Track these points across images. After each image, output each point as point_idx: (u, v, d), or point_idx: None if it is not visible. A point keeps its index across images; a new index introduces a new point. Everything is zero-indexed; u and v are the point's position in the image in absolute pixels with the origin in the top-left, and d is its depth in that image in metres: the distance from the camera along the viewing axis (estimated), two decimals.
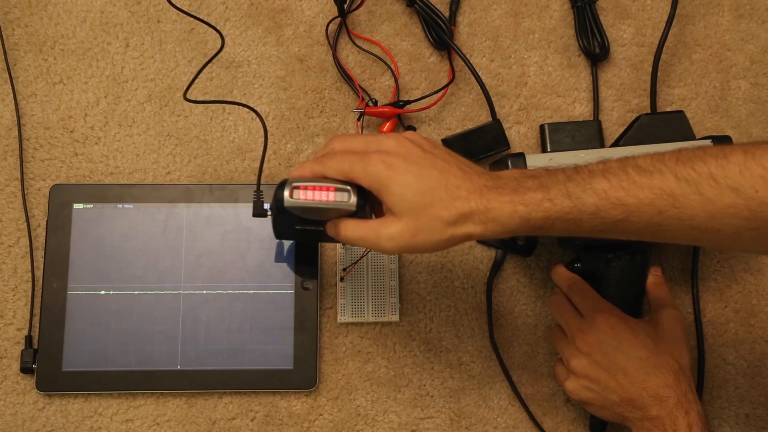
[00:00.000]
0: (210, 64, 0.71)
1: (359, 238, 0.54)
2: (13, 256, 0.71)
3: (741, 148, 0.47)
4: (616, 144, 0.70)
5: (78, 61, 0.74)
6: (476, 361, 0.71)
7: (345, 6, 0.73)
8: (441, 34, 0.73)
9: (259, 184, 0.62)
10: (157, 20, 0.74)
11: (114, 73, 0.74)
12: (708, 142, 0.67)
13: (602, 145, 0.71)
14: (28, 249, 0.70)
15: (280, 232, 0.65)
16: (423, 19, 0.74)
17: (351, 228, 0.55)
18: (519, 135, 0.74)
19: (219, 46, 0.71)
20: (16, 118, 0.72)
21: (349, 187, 0.55)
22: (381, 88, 0.74)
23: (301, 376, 0.68)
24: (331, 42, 0.74)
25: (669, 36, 0.73)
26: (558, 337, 0.66)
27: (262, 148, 0.73)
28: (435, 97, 0.73)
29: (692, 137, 0.68)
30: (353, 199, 0.54)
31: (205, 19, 0.72)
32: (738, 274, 0.73)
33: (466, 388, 0.70)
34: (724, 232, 0.48)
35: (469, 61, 0.72)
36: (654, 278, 0.69)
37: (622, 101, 0.75)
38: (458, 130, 0.73)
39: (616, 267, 0.67)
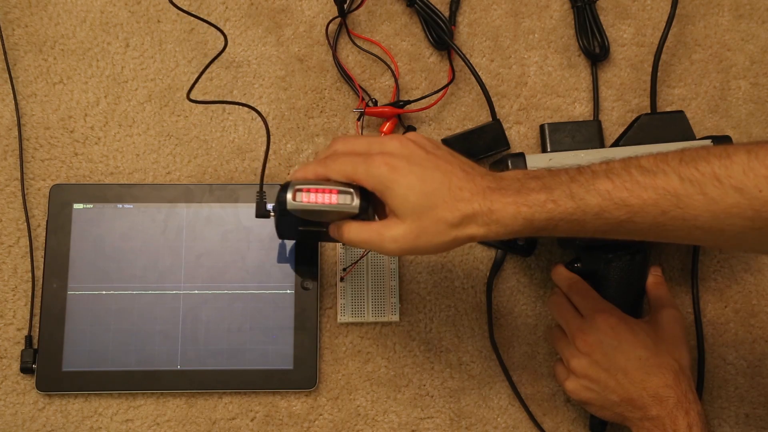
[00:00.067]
0: (210, 65, 0.71)
1: (362, 241, 0.54)
2: (13, 256, 0.71)
3: (744, 148, 0.47)
4: (616, 144, 0.70)
5: (78, 61, 0.74)
6: (476, 361, 0.71)
7: (345, 6, 0.73)
8: (441, 34, 0.73)
9: (261, 185, 0.62)
10: (157, 20, 0.74)
11: (114, 73, 0.74)
12: (708, 142, 0.67)
13: (602, 145, 0.71)
14: (28, 249, 0.70)
15: (282, 233, 0.65)
16: (423, 19, 0.74)
17: (354, 230, 0.55)
18: (519, 135, 0.74)
19: (219, 45, 0.71)
20: (16, 118, 0.72)
21: (351, 189, 0.54)
22: (381, 88, 0.74)
23: (301, 376, 0.68)
24: (331, 42, 0.74)
25: (669, 36, 0.73)
26: (558, 337, 0.66)
27: (262, 148, 0.73)
28: (435, 97, 0.73)
29: (692, 137, 0.68)
30: (356, 201, 0.54)
31: (205, 19, 0.72)
32: (738, 274, 0.73)
33: (466, 388, 0.70)
34: (728, 232, 0.48)
35: (469, 61, 0.72)
36: (654, 278, 0.69)
37: (622, 101, 0.75)
38: (458, 130, 0.73)
39: (616, 267, 0.67)
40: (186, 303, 0.69)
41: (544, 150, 0.71)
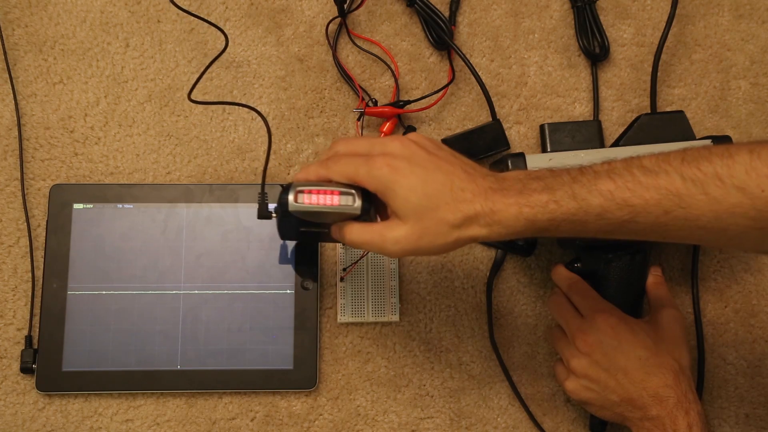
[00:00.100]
0: (211, 65, 0.71)
1: (364, 242, 0.54)
2: (13, 256, 0.71)
3: (747, 148, 0.47)
4: (616, 144, 0.70)
5: (78, 61, 0.74)
6: (476, 361, 0.71)
7: (345, 6, 0.73)
8: (441, 34, 0.73)
9: (263, 186, 0.62)
10: (157, 20, 0.74)
11: (114, 73, 0.74)
12: (708, 142, 0.67)
13: (602, 145, 0.71)
14: (28, 249, 0.70)
15: (285, 234, 0.66)
16: (423, 19, 0.74)
17: (356, 232, 0.55)
18: (519, 135, 0.74)
19: (219, 45, 0.71)
20: (16, 118, 0.72)
21: (353, 191, 0.54)
22: (381, 88, 0.74)
23: (301, 376, 0.68)
24: (331, 42, 0.74)
25: (669, 36, 0.73)
26: (558, 337, 0.66)
27: (262, 148, 0.73)
28: (435, 97, 0.73)
29: (692, 137, 0.68)
30: (358, 202, 0.54)
31: (207, 20, 0.72)
32: (738, 274, 0.73)
33: (466, 388, 0.70)
34: (731, 232, 0.48)
35: (469, 61, 0.72)
36: (654, 278, 0.69)
37: (622, 101, 0.75)
38: (458, 130, 0.73)
39: (616, 267, 0.67)
40: (186, 303, 0.69)
41: (544, 150, 0.71)
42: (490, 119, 0.72)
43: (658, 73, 0.74)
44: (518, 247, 0.71)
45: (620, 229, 0.50)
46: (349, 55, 0.75)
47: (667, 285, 0.69)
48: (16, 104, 0.72)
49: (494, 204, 0.51)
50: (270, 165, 0.73)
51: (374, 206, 0.56)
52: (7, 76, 0.73)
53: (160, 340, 0.68)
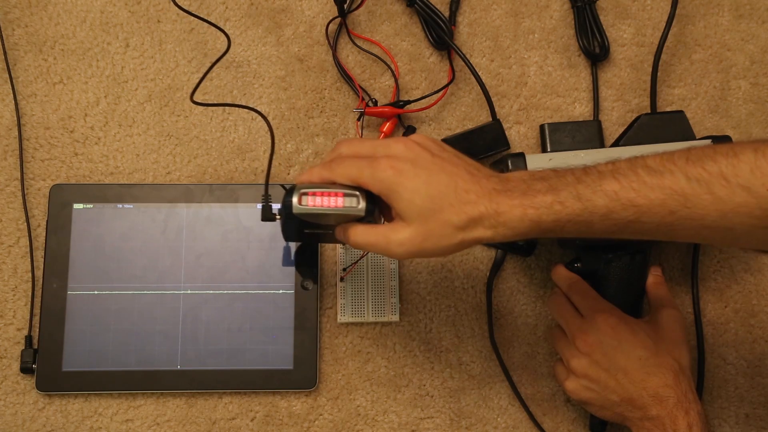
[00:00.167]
0: (210, 65, 0.71)
1: (369, 244, 0.54)
2: (13, 256, 0.71)
3: (751, 147, 0.47)
4: (616, 144, 0.70)
5: (78, 61, 0.74)
6: (476, 361, 0.71)
7: (345, 6, 0.73)
8: (441, 34, 0.73)
9: (267, 188, 0.62)
10: (157, 20, 0.74)
11: (114, 73, 0.74)
12: (708, 142, 0.67)
13: (602, 145, 0.71)
14: (28, 249, 0.70)
15: (288, 236, 0.66)
16: (423, 19, 0.74)
17: (360, 233, 0.55)
18: (519, 135, 0.74)
19: (219, 45, 0.71)
20: (16, 118, 0.72)
21: (357, 193, 0.54)
22: (381, 88, 0.74)
23: (301, 376, 0.68)
24: (331, 42, 0.74)
25: (669, 36, 0.73)
26: (558, 337, 0.66)
27: (262, 148, 0.73)
28: (435, 97, 0.73)
29: (692, 137, 0.68)
30: (362, 204, 0.54)
31: (209, 21, 0.72)
32: (738, 274, 0.73)
33: (466, 388, 0.70)
34: (737, 231, 0.48)
35: (469, 61, 0.72)
36: (654, 278, 0.69)
37: (622, 101, 0.75)
38: (458, 130, 0.73)
39: (616, 267, 0.67)
40: (186, 303, 0.69)
41: (544, 150, 0.71)
42: (490, 119, 0.72)
43: (658, 73, 0.74)
44: (518, 247, 0.71)
45: (625, 229, 0.50)
46: (349, 55, 0.75)
47: (667, 285, 0.69)
48: (16, 104, 0.72)
49: (499, 205, 0.51)
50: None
51: (378, 208, 0.56)
52: (7, 76, 0.72)
53: (160, 340, 0.68)
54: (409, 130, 0.73)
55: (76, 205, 0.70)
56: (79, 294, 0.69)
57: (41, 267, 0.69)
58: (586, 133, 0.71)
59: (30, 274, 0.70)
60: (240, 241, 0.70)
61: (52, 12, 0.74)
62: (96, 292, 0.69)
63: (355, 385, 0.70)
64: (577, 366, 0.63)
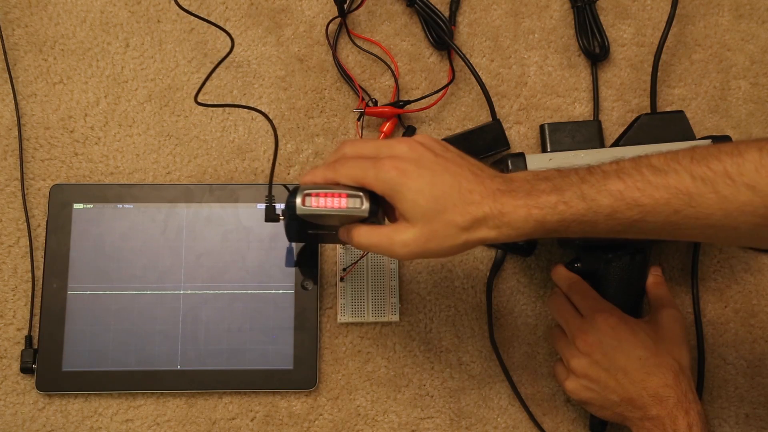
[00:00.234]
0: (210, 65, 0.71)
1: (372, 245, 0.54)
2: (13, 256, 0.71)
3: (756, 145, 0.47)
4: (616, 144, 0.70)
5: (78, 61, 0.74)
6: (476, 361, 0.71)
7: (345, 6, 0.73)
8: (441, 34, 0.73)
9: (270, 189, 0.61)
10: (157, 20, 0.74)
11: (114, 73, 0.74)
12: (708, 142, 0.66)
13: (602, 145, 0.71)
14: (28, 249, 0.70)
15: (292, 236, 0.66)
16: (423, 19, 0.74)
17: (364, 234, 0.55)
18: (519, 135, 0.74)
19: (219, 45, 0.71)
20: (16, 118, 0.72)
21: (361, 193, 0.54)
22: (381, 88, 0.74)
23: (301, 376, 0.68)
24: (331, 42, 0.74)
25: (669, 36, 0.73)
26: (558, 337, 0.66)
27: (262, 148, 0.73)
28: (435, 97, 0.73)
29: (692, 137, 0.68)
30: (366, 205, 0.54)
31: (213, 22, 0.72)
32: (738, 274, 0.73)
33: (466, 388, 0.70)
34: (741, 230, 0.48)
35: (469, 61, 0.72)
36: (654, 278, 0.69)
37: (622, 101, 0.75)
38: (458, 130, 0.73)
39: (616, 267, 0.67)
40: (186, 303, 0.69)
41: (544, 150, 0.71)
42: (490, 119, 0.72)
43: (658, 73, 0.74)
44: (518, 247, 0.71)
45: (630, 228, 0.50)
46: (349, 55, 0.75)
47: (667, 285, 0.69)
48: (16, 104, 0.72)
49: (503, 206, 0.50)
50: (269, 164, 0.73)
51: (382, 208, 0.56)
52: (7, 76, 0.73)
53: (160, 340, 0.68)
54: (409, 130, 0.73)
55: (76, 205, 0.70)
56: (79, 294, 0.69)
57: (41, 267, 0.69)
58: (586, 133, 0.71)
59: (30, 274, 0.70)
60: (240, 241, 0.70)
61: (52, 12, 0.74)
62: (96, 292, 0.69)
63: (355, 385, 0.70)
64: (577, 366, 0.63)
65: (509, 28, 0.76)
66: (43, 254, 0.70)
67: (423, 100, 0.73)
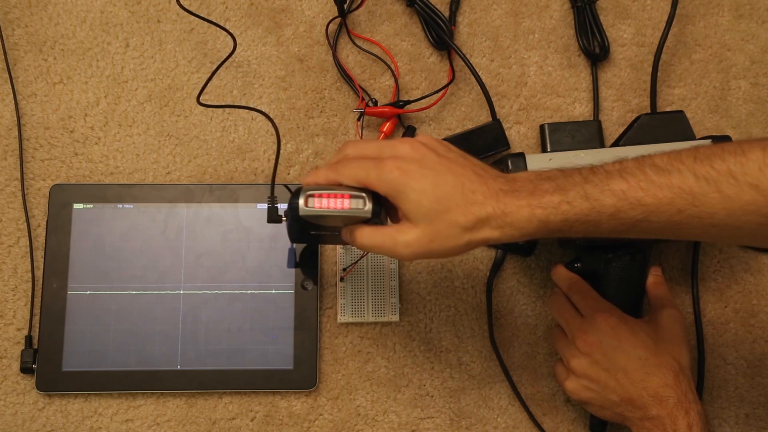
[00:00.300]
0: (210, 65, 0.71)
1: (375, 245, 0.54)
2: (13, 256, 0.71)
3: (760, 145, 0.47)
4: (616, 144, 0.70)
5: (78, 61, 0.74)
6: (476, 361, 0.71)
7: (345, 6, 0.73)
8: (441, 34, 0.73)
9: (273, 189, 0.61)
10: (157, 20, 0.74)
11: (114, 73, 0.74)
12: (708, 142, 0.66)
13: (602, 145, 0.71)
14: (28, 249, 0.70)
15: (294, 237, 0.66)
16: (423, 19, 0.74)
17: (367, 235, 0.55)
18: (519, 135, 0.74)
19: (219, 45, 0.71)
20: (16, 118, 0.72)
21: (364, 194, 0.54)
22: (381, 88, 0.74)
23: (301, 376, 0.68)
24: (331, 42, 0.74)
25: (669, 36, 0.73)
26: (558, 337, 0.66)
27: (262, 148, 0.73)
28: (435, 97, 0.73)
29: (692, 137, 0.68)
30: (368, 205, 0.54)
31: (215, 22, 0.72)
32: (738, 274, 0.73)
33: (466, 388, 0.70)
34: (745, 229, 0.48)
35: (469, 61, 0.72)
36: (654, 278, 0.69)
37: (622, 101, 0.75)
38: (458, 130, 0.73)
39: (616, 267, 0.67)
40: (186, 303, 0.69)
41: (544, 150, 0.71)
42: (490, 119, 0.72)
43: (658, 73, 0.74)
44: (518, 247, 0.71)
45: (633, 228, 0.50)
46: (349, 55, 0.75)
47: (667, 285, 0.69)
48: (16, 104, 0.72)
49: (506, 206, 0.50)
50: (269, 165, 0.73)
51: (384, 209, 0.56)
52: (7, 76, 0.73)
53: (160, 340, 0.68)
54: (409, 130, 0.73)
55: (76, 205, 0.70)
56: (79, 294, 0.69)
57: (41, 267, 0.69)
58: (586, 133, 0.71)
59: (30, 274, 0.70)
60: (240, 241, 0.70)
61: (52, 12, 0.74)
62: (96, 292, 0.69)
63: (355, 385, 0.70)
64: (577, 366, 0.63)
65: (509, 28, 0.76)
66: (43, 254, 0.70)
67: (423, 100, 0.73)
